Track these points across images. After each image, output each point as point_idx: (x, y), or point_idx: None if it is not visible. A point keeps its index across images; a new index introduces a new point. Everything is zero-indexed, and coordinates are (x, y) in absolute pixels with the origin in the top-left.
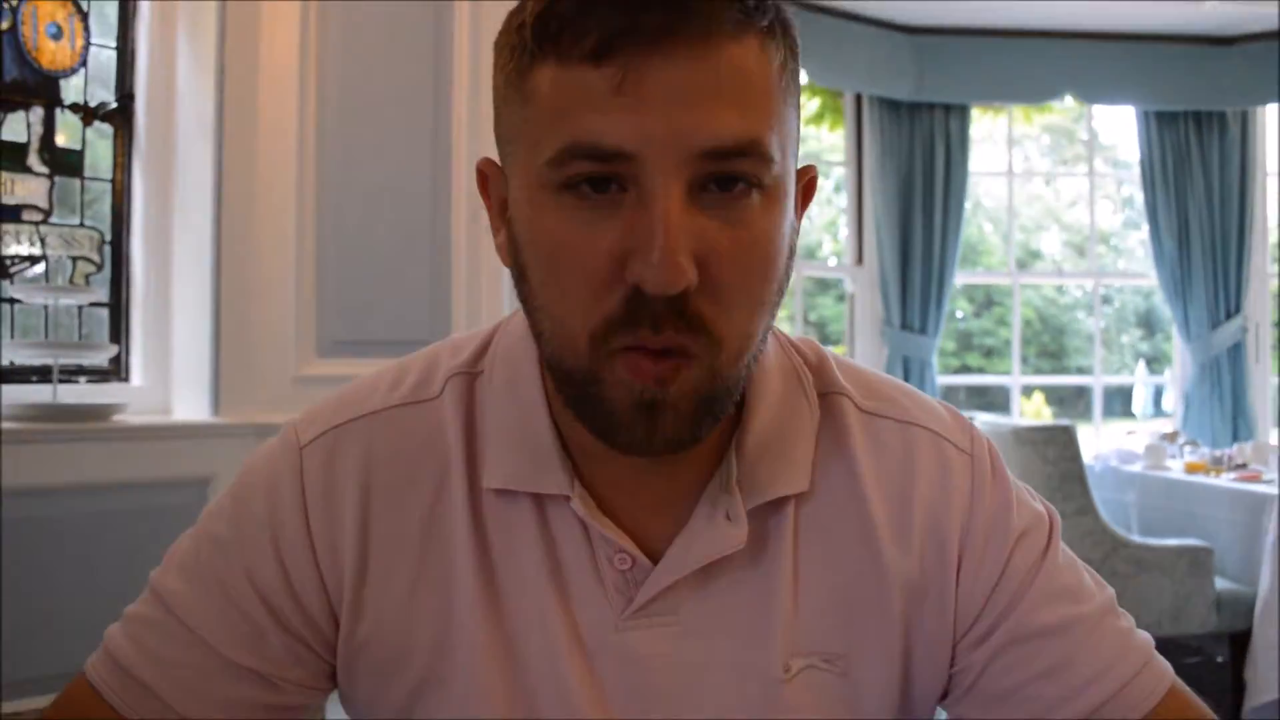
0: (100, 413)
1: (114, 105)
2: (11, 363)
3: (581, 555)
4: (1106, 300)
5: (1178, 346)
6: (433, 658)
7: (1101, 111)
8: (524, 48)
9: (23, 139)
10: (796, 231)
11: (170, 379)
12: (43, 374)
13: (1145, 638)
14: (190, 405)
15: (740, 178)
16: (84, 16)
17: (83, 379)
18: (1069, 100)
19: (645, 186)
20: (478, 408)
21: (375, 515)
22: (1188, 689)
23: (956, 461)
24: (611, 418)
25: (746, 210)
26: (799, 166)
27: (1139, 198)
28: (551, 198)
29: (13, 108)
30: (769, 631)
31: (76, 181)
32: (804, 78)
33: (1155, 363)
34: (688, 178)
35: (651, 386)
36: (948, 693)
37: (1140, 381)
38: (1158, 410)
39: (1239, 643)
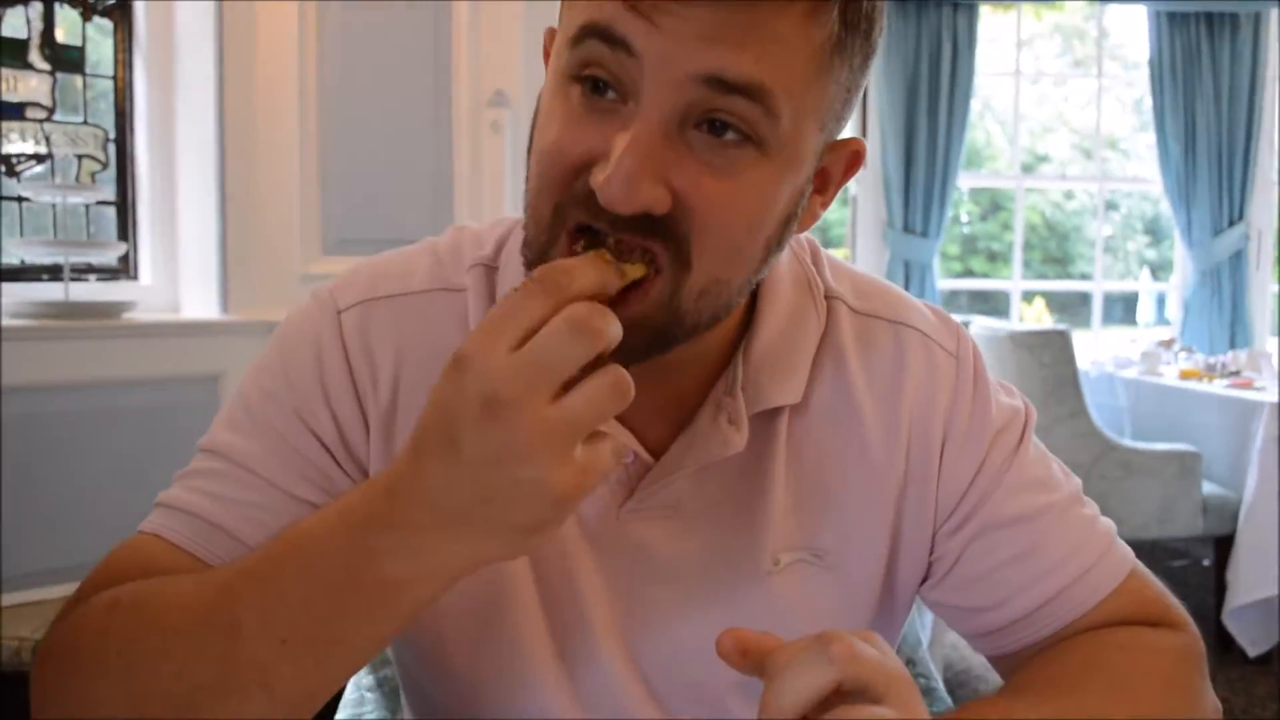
0: (111, 310)
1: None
2: (22, 261)
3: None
4: (1113, 206)
5: (1180, 253)
6: None
7: (1113, 11)
8: None
9: (23, 35)
10: (808, 205)
11: (178, 277)
12: (53, 272)
13: (1108, 525)
14: (199, 303)
15: (734, 125)
16: None
17: (92, 277)
18: None
19: (639, 95)
20: (496, 300)
21: (404, 387)
22: (1147, 572)
23: (943, 363)
24: None
25: (737, 161)
26: (842, 138)
27: (1149, 101)
28: (563, 85)
29: (11, 3)
30: (759, 527)
31: (78, 79)
32: None
33: (1161, 270)
34: (682, 105)
35: None
36: (926, 578)
37: (1144, 288)
38: (1161, 318)
39: (1224, 546)
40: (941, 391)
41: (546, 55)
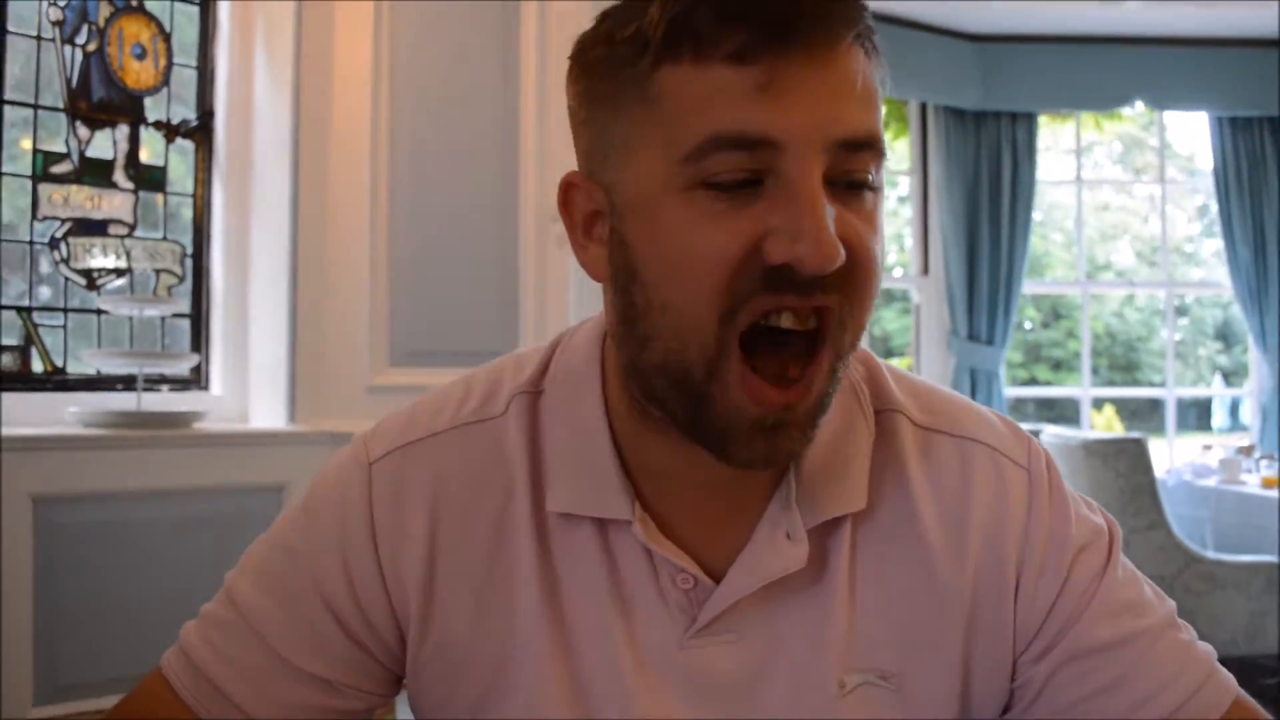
0: (181, 420)
1: (195, 122)
2: (98, 371)
3: (644, 576)
4: (1182, 312)
5: (1254, 357)
6: (497, 673)
7: (1174, 119)
8: (646, 51)
9: (109, 156)
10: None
11: (248, 387)
12: (127, 382)
13: (1207, 650)
14: (267, 413)
15: (861, 180)
16: (167, 37)
17: (165, 387)
18: (1139, 106)
19: (788, 174)
20: (541, 427)
21: (442, 534)
22: (1253, 701)
23: (1013, 477)
24: (727, 431)
25: (865, 204)
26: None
27: (1213, 206)
28: (680, 196)
29: (100, 125)
30: (825, 648)
31: (159, 196)
32: None
33: (1235, 376)
34: (825, 167)
35: (776, 414)
36: (1009, 706)
37: (1217, 394)
38: (1235, 424)
39: None
40: (1014, 509)
41: (565, 205)
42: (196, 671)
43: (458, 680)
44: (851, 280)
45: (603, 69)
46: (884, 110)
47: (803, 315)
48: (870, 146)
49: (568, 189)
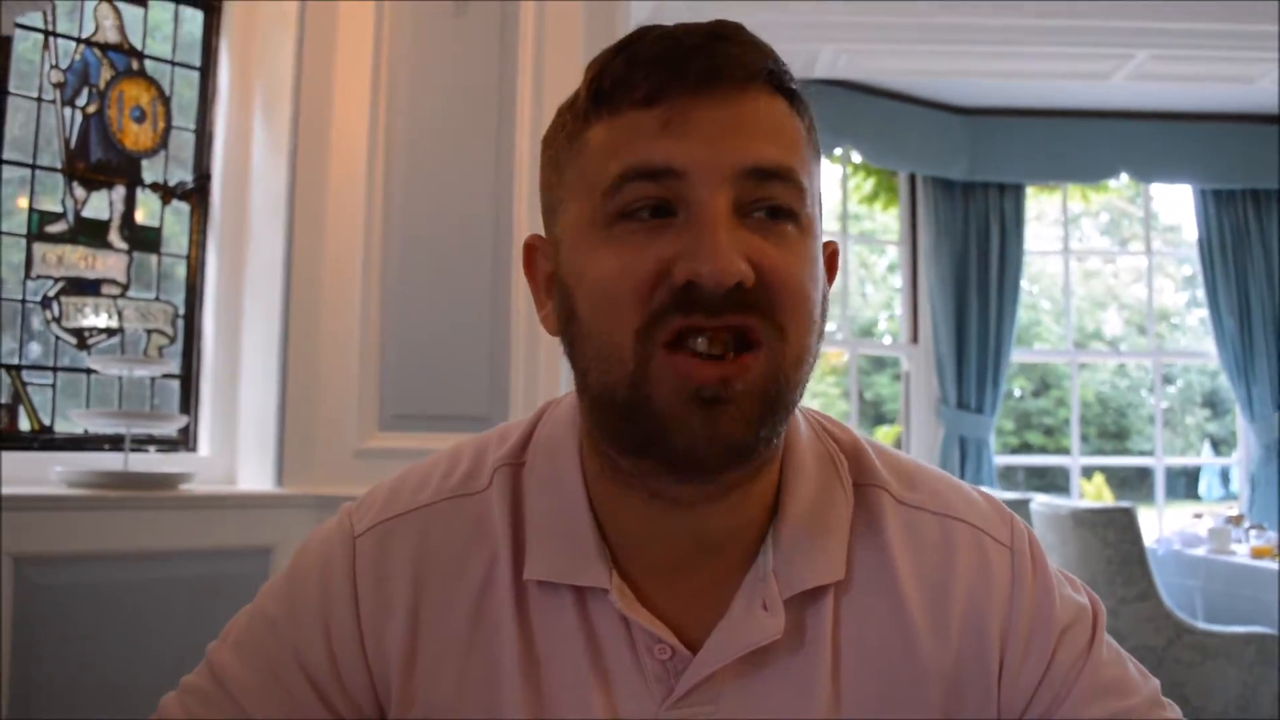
0: (168, 482)
1: (191, 185)
2: (86, 431)
3: (621, 646)
4: (1170, 380)
5: (1241, 427)
6: None
7: (1159, 191)
8: (578, 114)
9: (105, 216)
10: (827, 286)
11: (236, 449)
12: (115, 442)
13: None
14: (255, 475)
15: (776, 206)
16: (166, 100)
17: (153, 448)
18: (1124, 178)
19: (694, 201)
20: (523, 499)
21: (425, 607)
22: None
23: (996, 556)
24: (664, 419)
25: (786, 235)
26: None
27: (1199, 277)
28: (604, 232)
29: (96, 186)
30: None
31: (153, 257)
32: (857, 158)
33: (1224, 444)
34: (733, 196)
35: (712, 384)
36: None
37: (1205, 462)
38: (1226, 492)
39: None
40: (997, 588)
41: (529, 266)
42: None
43: None
44: (768, 301)
45: (551, 139)
46: (871, 182)
47: (718, 340)
48: (781, 177)
49: (529, 250)
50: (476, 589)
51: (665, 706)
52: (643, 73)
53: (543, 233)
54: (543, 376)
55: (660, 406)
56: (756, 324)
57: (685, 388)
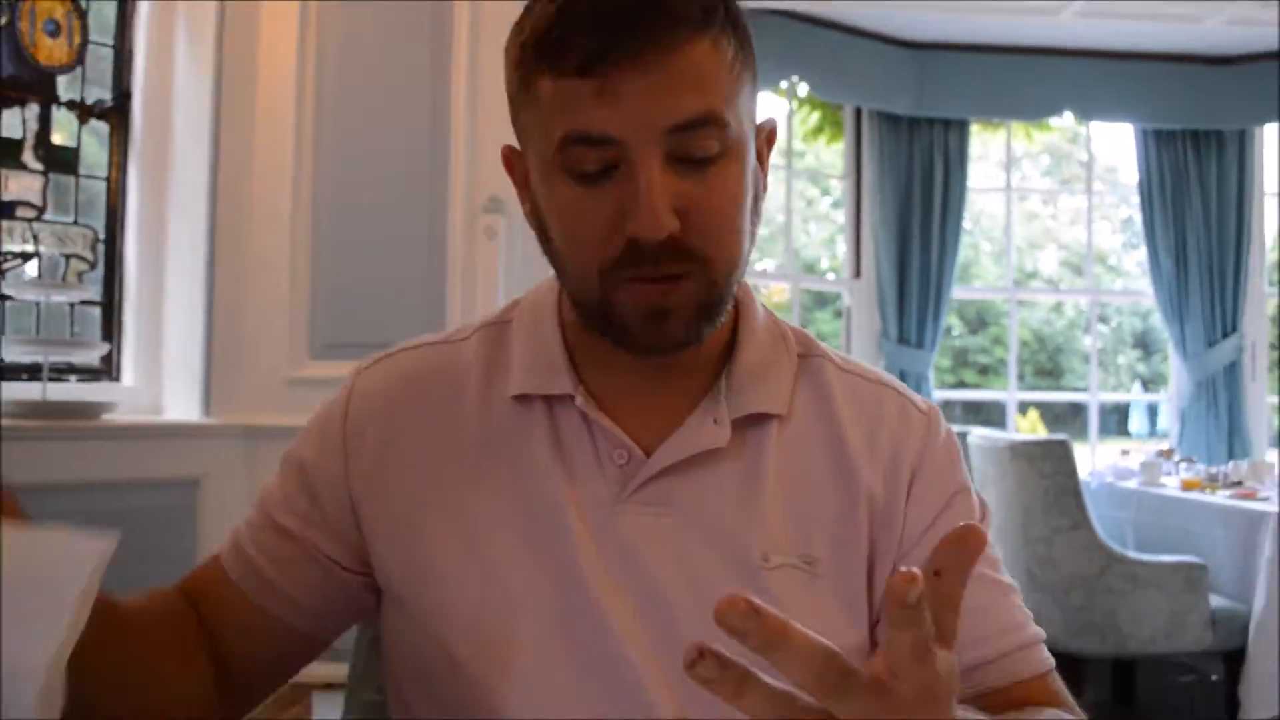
0: (90, 411)
1: (110, 104)
2: (2, 359)
3: (585, 448)
4: (1103, 320)
5: (1174, 365)
6: (446, 522)
7: (1100, 133)
8: (527, 61)
9: (18, 135)
10: (761, 173)
11: (161, 379)
12: (33, 371)
13: (1040, 631)
14: (181, 405)
15: (702, 155)
16: (82, 15)
17: (73, 377)
18: (1068, 118)
19: (630, 162)
20: (505, 347)
21: (396, 410)
22: (1063, 686)
23: (915, 417)
24: (626, 327)
25: (712, 172)
26: (759, 123)
27: (1137, 219)
28: (558, 180)
29: (9, 104)
30: (751, 526)
31: (71, 179)
32: (804, 90)
33: (1152, 384)
34: (662, 152)
35: (658, 301)
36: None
37: (1136, 399)
38: (1154, 430)
39: (1234, 661)
40: (913, 437)
41: (510, 169)
42: (243, 556)
43: (412, 527)
44: (697, 242)
45: (511, 66)
46: (816, 115)
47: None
48: (704, 123)
49: (508, 156)
50: (444, 402)
51: (621, 500)
52: (575, 40)
53: (502, 148)
54: (480, 302)
55: (621, 316)
56: (686, 266)
57: (639, 306)
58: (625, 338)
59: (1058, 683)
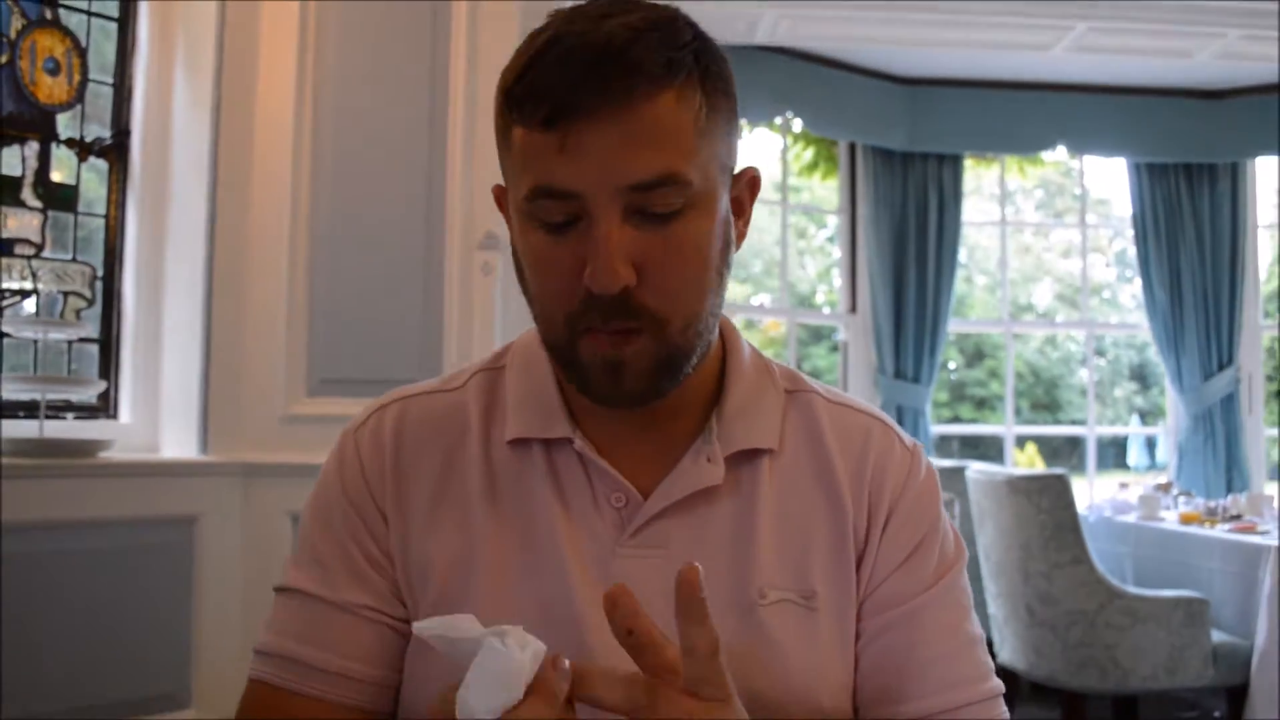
0: (87, 449)
1: (109, 141)
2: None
3: (584, 493)
4: (1100, 353)
5: (1171, 398)
6: (453, 574)
7: (1093, 166)
8: (502, 109)
9: (18, 173)
10: (733, 224)
11: (159, 416)
12: (30, 409)
13: (1000, 685)
14: (178, 443)
15: (660, 208)
16: (82, 53)
17: (70, 415)
18: (1061, 152)
19: (591, 216)
20: (500, 392)
21: (403, 462)
22: None
23: (900, 450)
24: (586, 375)
25: (674, 227)
26: (739, 170)
27: (1131, 252)
28: (528, 227)
29: (8, 142)
30: (747, 562)
31: (70, 216)
32: (798, 125)
33: (1149, 416)
34: (621, 206)
35: (613, 354)
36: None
37: (1134, 432)
38: (1152, 462)
39: (1236, 696)
40: (897, 469)
41: (500, 205)
42: (279, 659)
43: (425, 583)
44: (651, 300)
45: (496, 110)
46: (810, 151)
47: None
48: (664, 184)
49: (499, 194)
50: (446, 452)
51: (620, 543)
52: (541, 92)
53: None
54: (477, 339)
55: (584, 365)
56: (641, 322)
57: (596, 358)
58: (586, 388)
59: None
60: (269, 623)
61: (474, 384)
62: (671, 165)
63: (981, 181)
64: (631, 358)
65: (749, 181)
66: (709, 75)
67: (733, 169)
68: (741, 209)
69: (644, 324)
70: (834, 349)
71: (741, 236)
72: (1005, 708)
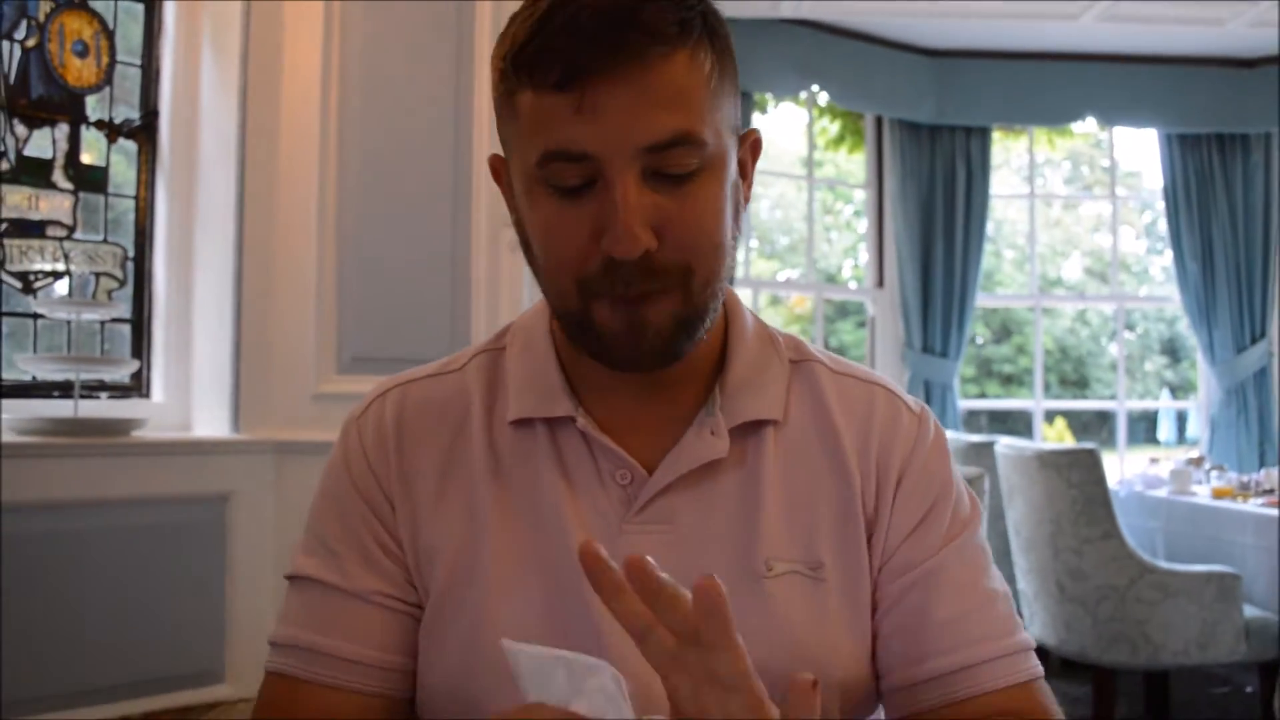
0: (120, 428)
1: (138, 122)
2: (34, 377)
3: (588, 470)
4: (1129, 327)
5: (1202, 371)
6: (461, 558)
7: (1123, 138)
8: (508, 75)
9: (48, 155)
10: (741, 186)
11: (191, 395)
12: (64, 389)
13: (1030, 639)
14: (210, 421)
15: (678, 172)
16: (110, 35)
17: (104, 394)
18: (1090, 123)
19: (607, 179)
20: (501, 372)
21: (406, 448)
22: (1049, 697)
23: (906, 416)
24: (604, 341)
25: (689, 188)
26: (742, 131)
27: (1161, 225)
28: (541, 189)
29: (38, 124)
30: (753, 534)
31: (101, 198)
32: (824, 99)
33: (1181, 391)
34: (639, 169)
35: (635, 317)
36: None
37: (1165, 407)
38: (1182, 437)
39: (1268, 671)
40: (903, 437)
41: (497, 177)
42: (297, 650)
43: (431, 564)
44: (673, 258)
45: (495, 78)
46: (837, 125)
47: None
48: (679, 143)
49: (495, 165)
50: (448, 436)
51: (626, 520)
52: (553, 54)
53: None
54: (504, 316)
55: (599, 331)
56: (663, 283)
57: (616, 322)
58: (604, 353)
59: (1042, 693)
60: (283, 614)
61: (474, 365)
62: (687, 125)
63: (1010, 154)
64: (653, 316)
65: (752, 144)
66: (716, 36)
67: (738, 131)
68: (745, 171)
69: (667, 285)
70: (860, 324)
71: (747, 199)
72: (1036, 661)
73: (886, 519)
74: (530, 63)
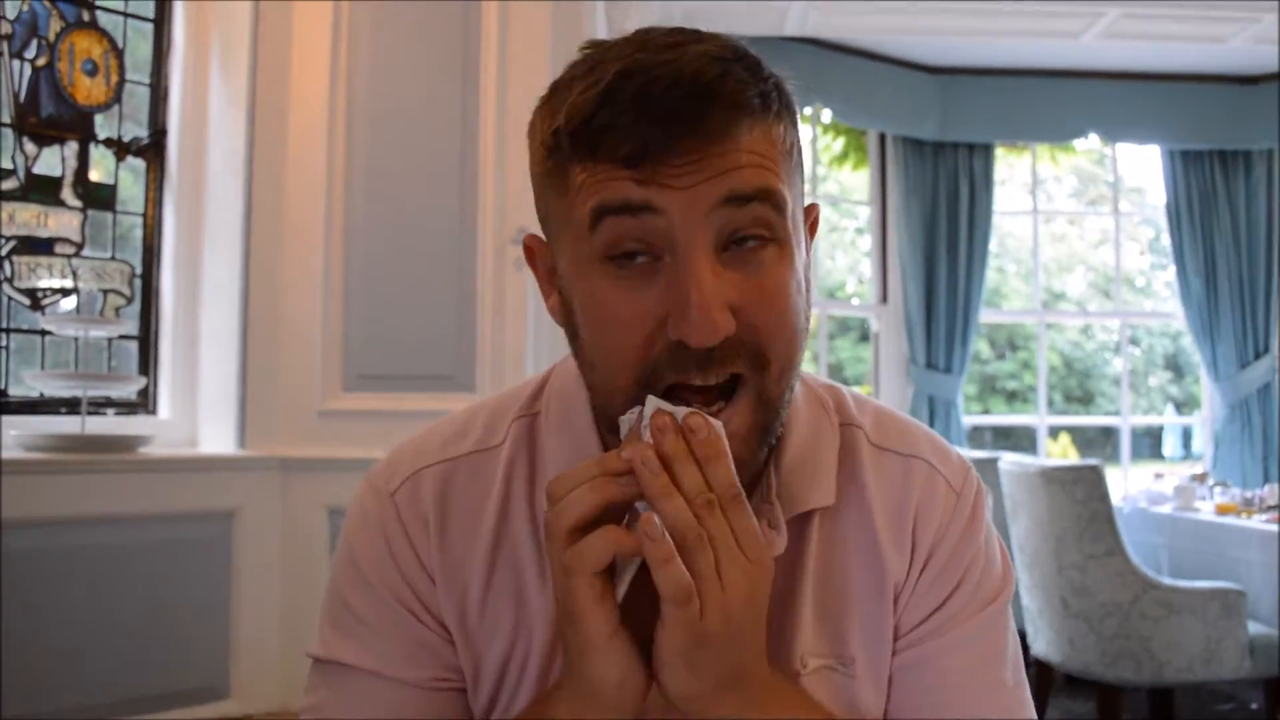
0: (127, 444)
1: (147, 140)
2: (41, 393)
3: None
4: (1134, 343)
5: (1206, 387)
6: (513, 657)
7: (1126, 154)
8: (561, 148)
9: (57, 173)
10: (808, 266)
11: (197, 412)
12: (71, 405)
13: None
14: (216, 438)
15: (757, 232)
16: (119, 54)
17: (111, 411)
18: (1093, 139)
19: (677, 242)
20: (538, 443)
21: (450, 537)
22: None
23: (944, 492)
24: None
25: (765, 261)
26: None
27: (1165, 240)
28: (597, 267)
29: (48, 142)
30: (790, 631)
31: (109, 215)
32: (828, 117)
33: (1185, 406)
34: (714, 230)
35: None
36: None
37: (1169, 422)
38: (1187, 453)
39: (1273, 688)
40: (937, 513)
41: (531, 262)
42: None
43: (484, 655)
44: (752, 344)
45: (540, 151)
46: (840, 142)
47: (709, 390)
48: (759, 198)
49: (528, 250)
50: (494, 521)
51: None
52: (623, 130)
53: (530, 190)
54: (509, 334)
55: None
56: (742, 369)
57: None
58: None
59: None
60: (319, 699)
61: (512, 437)
62: (770, 181)
63: (1013, 170)
64: (735, 426)
65: (813, 221)
66: (791, 110)
67: (803, 208)
68: (806, 248)
69: (747, 367)
70: (862, 339)
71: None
72: None
73: (906, 600)
74: (594, 140)
